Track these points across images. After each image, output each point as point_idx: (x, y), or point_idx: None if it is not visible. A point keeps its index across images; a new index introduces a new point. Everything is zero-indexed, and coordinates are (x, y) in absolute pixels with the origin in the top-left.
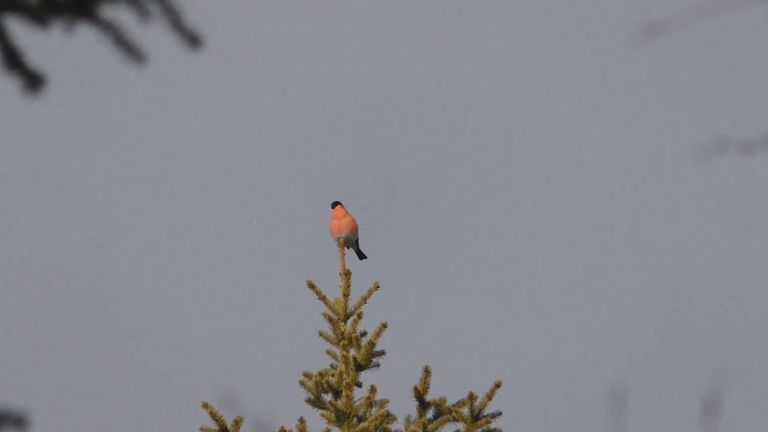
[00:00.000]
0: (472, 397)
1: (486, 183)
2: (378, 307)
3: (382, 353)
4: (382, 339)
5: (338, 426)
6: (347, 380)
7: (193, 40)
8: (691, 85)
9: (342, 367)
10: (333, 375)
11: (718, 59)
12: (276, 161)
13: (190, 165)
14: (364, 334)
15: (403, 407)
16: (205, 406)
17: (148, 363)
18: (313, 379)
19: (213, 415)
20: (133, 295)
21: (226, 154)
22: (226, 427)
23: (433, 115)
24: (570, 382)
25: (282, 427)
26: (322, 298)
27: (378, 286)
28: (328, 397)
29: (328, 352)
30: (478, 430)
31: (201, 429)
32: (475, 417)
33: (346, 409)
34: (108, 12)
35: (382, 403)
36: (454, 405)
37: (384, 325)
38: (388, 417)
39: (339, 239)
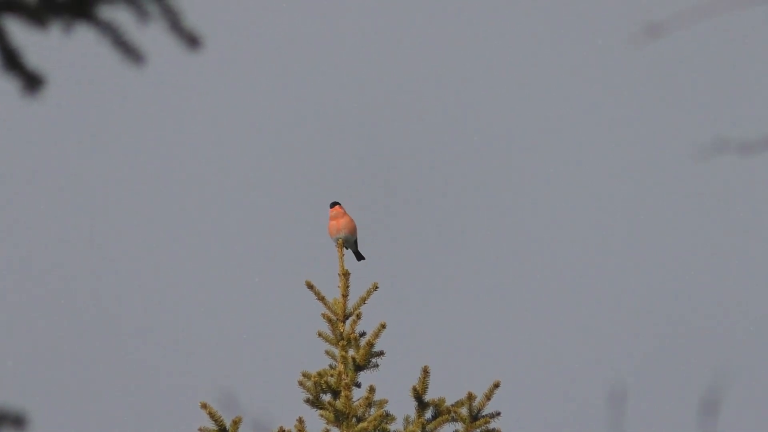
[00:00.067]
0: (470, 397)
1: (485, 183)
2: (377, 308)
3: (380, 353)
4: (380, 339)
5: (337, 426)
6: (346, 380)
7: (191, 40)
8: (691, 85)
9: (341, 367)
10: (332, 375)
11: (718, 59)
12: (275, 161)
13: (189, 165)
14: (362, 334)
15: (402, 407)
16: (204, 406)
17: (147, 363)
18: (312, 379)
19: (212, 415)
20: (133, 296)
21: (225, 154)
22: (225, 427)
23: (431, 115)
24: (569, 382)
25: (281, 428)
26: (321, 299)
27: (377, 287)
28: (327, 398)
29: (327, 353)
30: (477, 430)
31: (200, 429)
32: (474, 417)
33: (344, 410)
34: (107, 13)
35: (381, 403)
36: (452, 405)
37: (383, 326)
38: (387, 417)
39: (338, 240)
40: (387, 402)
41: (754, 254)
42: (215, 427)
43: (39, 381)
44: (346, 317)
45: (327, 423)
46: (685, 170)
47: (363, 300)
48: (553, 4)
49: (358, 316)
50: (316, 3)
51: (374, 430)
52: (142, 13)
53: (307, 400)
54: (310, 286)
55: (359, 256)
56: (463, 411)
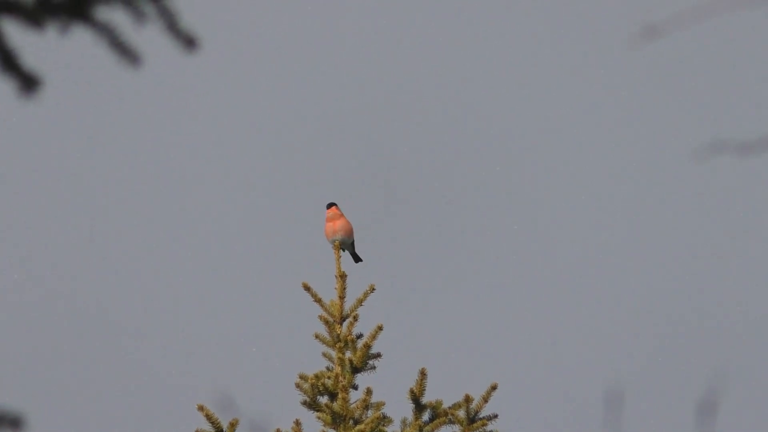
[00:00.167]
0: (468, 399)
1: (483, 184)
2: (374, 310)
3: (378, 355)
4: (378, 341)
5: (334, 428)
6: (343, 383)
7: (188, 42)
8: (691, 85)
9: (338, 369)
10: (329, 377)
11: (718, 60)
12: (272, 163)
13: (186, 167)
14: (360, 336)
15: (399, 410)
16: (201, 408)
17: (144, 365)
18: (309, 381)
19: (209, 418)
20: (130, 297)
21: (222, 155)
22: (222, 429)
23: (430, 114)
24: (566, 383)
25: (278, 430)
26: (318, 301)
27: (374, 289)
28: (324, 400)
29: (324, 355)
30: None
31: (197, 431)
32: (471, 419)
33: (342, 412)
34: (103, 14)
35: (378, 405)
36: (450, 407)
37: (380, 328)
38: (384, 419)
39: (334, 242)
40: (384, 404)
41: (753, 254)
42: (212, 429)
43: (37, 381)
44: (343, 319)
45: (324, 425)
46: (684, 170)
47: (360, 302)
48: (553, 4)
49: (355, 318)
50: (315, 3)
51: None
52: (138, 14)
53: (304, 402)
54: (307, 288)
55: (356, 258)
56: (461, 413)
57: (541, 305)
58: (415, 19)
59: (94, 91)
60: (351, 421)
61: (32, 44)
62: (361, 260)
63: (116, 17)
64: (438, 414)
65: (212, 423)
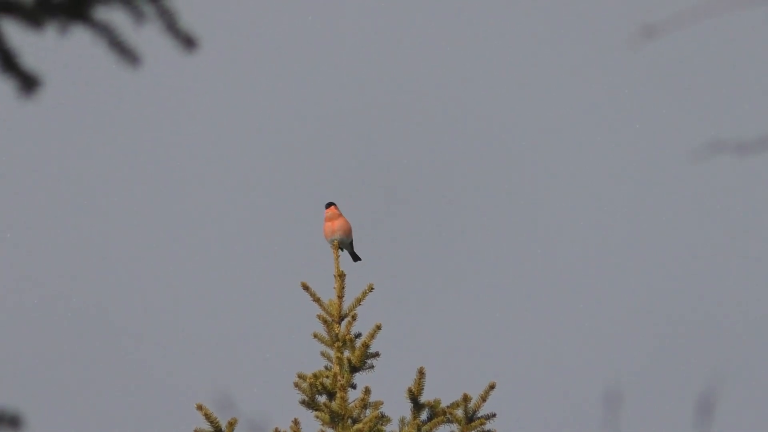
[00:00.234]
0: (466, 398)
1: (481, 184)
2: (372, 309)
3: (376, 355)
4: (376, 341)
5: (333, 428)
6: (342, 382)
7: (187, 42)
8: (690, 85)
9: (336, 368)
10: (327, 377)
11: (718, 60)
12: (271, 163)
13: (185, 167)
14: (358, 335)
15: (398, 409)
16: (200, 407)
17: (143, 364)
18: (308, 380)
19: (207, 417)
20: (129, 296)
21: (221, 155)
22: (220, 429)
23: (429, 114)
24: (565, 383)
25: (276, 429)
26: (317, 300)
27: (372, 288)
28: (322, 399)
29: (323, 354)
30: (473, 431)
31: (195, 430)
32: (470, 418)
33: (340, 411)
34: (102, 14)
35: (377, 404)
36: (448, 407)
37: (378, 327)
38: (383, 418)
39: (333, 241)
40: (382, 403)
41: (753, 254)
42: (211, 429)
43: (35, 381)
44: (341, 318)
45: (322, 424)
46: (683, 170)
47: (358, 301)
48: (553, 4)
49: (354, 318)
50: (314, 3)
51: (370, 431)
52: (138, 15)
53: (303, 402)
54: (306, 288)
55: (355, 257)
56: (459, 412)
57: (540, 305)
58: (414, 19)
59: (94, 92)
60: (349, 421)
61: (32, 44)
62: (359, 259)
63: (115, 17)
64: (436, 413)
65: (211, 422)
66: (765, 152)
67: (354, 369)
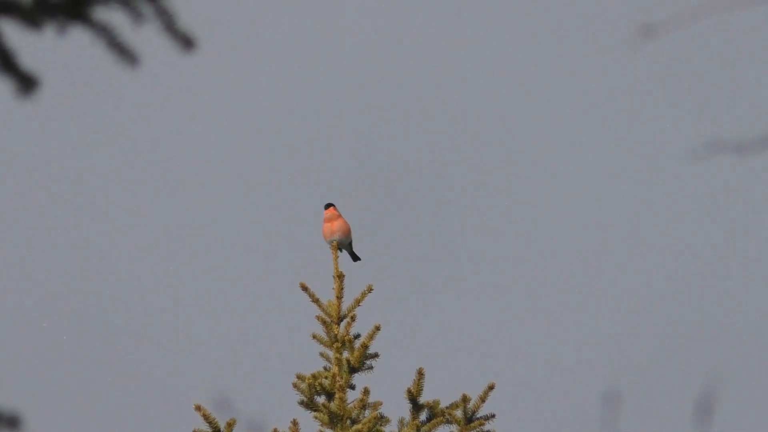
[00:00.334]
0: (465, 399)
1: (481, 184)
2: (371, 310)
3: (375, 355)
4: (375, 341)
5: (331, 428)
6: (340, 382)
7: (186, 42)
8: (689, 85)
9: (335, 369)
10: (326, 377)
11: (718, 59)
12: (269, 163)
13: (185, 167)
14: (357, 336)
15: (397, 409)
16: (198, 408)
17: (141, 364)
18: (307, 381)
19: (206, 417)
20: (127, 297)
21: (220, 156)
22: (219, 429)
23: (428, 114)
24: (564, 383)
25: (275, 429)
26: (316, 301)
27: (371, 289)
28: (321, 400)
29: (322, 355)
30: None
31: (194, 431)
32: (469, 419)
33: (339, 412)
34: (101, 14)
35: (376, 405)
36: (447, 407)
37: (377, 328)
38: (382, 419)
39: (332, 242)
40: (381, 404)
41: (753, 254)
42: (209, 429)
43: (33, 381)
44: (340, 319)
45: (321, 425)
46: (683, 170)
47: (357, 302)
48: (553, 4)
49: (353, 318)
50: (313, 4)
51: None
52: (136, 15)
53: (302, 402)
54: (305, 288)
55: (355, 257)
56: (458, 413)
57: (539, 305)
58: (414, 19)
59: (92, 92)
60: (348, 421)
61: (30, 44)
62: (359, 259)
63: (114, 17)
64: (435, 414)
65: (209, 423)
66: (764, 152)
67: (353, 370)
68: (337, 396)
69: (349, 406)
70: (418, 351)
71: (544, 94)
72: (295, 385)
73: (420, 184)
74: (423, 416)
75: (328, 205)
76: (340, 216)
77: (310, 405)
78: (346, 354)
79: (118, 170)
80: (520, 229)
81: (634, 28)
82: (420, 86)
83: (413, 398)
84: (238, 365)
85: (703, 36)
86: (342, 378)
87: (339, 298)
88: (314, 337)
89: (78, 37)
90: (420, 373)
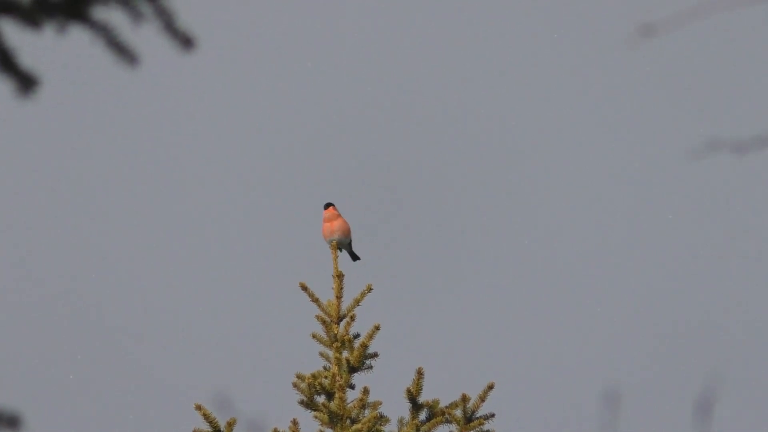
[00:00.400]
0: (465, 398)
1: (480, 184)
2: (371, 309)
3: (375, 355)
4: (375, 341)
5: (331, 428)
6: (340, 382)
7: (185, 41)
8: (689, 84)
9: (335, 369)
10: (326, 377)
11: (718, 59)
12: (269, 162)
13: (184, 166)
14: (357, 336)
15: (396, 409)
16: (199, 407)
17: (141, 364)
18: (306, 380)
19: (206, 417)
20: (127, 296)
21: (219, 155)
22: (219, 429)
23: (428, 114)
24: (564, 383)
25: (275, 429)
26: (315, 300)
27: (371, 289)
28: (321, 399)
29: (321, 354)
30: (471, 431)
31: (194, 431)
32: (468, 419)
33: (339, 411)
34: (100, 13)
35: (375, 404)
36: (447, 407)
37: (377, 327)
38: (381, 419)
39: (331, 242)
40: (381, 403)
41: (752, 254)
42: (209, 429)
43: (33, 381)
44: (340, 319)
45: (321, 424)
46: (683, 170)
47: (357, 302)
48: (553, 4)
49: (352, 318)
50: (312, 3)
51: (368, 431)
52: (136, 14)
53: (301, 402)
54: (304, 288)
55: (354, 257)
56: (458, 413)
57: (539, 304)
58: (414, 19)
59: (92, 91)
60: (348, 421)
61: (30, 44)
62: (359, 259)
63: (113, 17)
64: (435, 413)
65: (210, 422)
66: (764, 151)
67: (352, 369)
68: (336, 395)
69: (348, 405)
70: (417, 350)
71: (544, 94)
72: (294, 385)
73: (420, 183)
74: (422, 416)
75: (328, 205)
76: (339, 216)
77: (309, 404)
78: (345, 353)
79: (118, 169)
80: (519, 229)
81: (633, 28)
82: (420, 86)
83: (413, 398)
84: (238, 365)
85: (702, 36)
86: (342, 377)
87: (338, 297)
88: (314, 336)
89: (77, 36)
90: (419, 373)
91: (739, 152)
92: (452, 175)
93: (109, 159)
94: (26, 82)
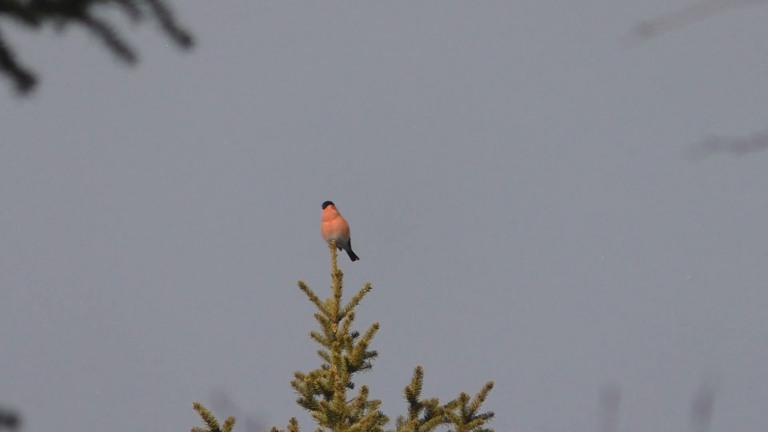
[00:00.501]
0: (464, 398)
1: (479, 184)
2: (370, 308)
3: (374, 354)
4: (374, 340)
5: (330, 427)
6: (339, 381)
7: (184, 39)
8: (688, 84)
9: (334, 368)
10: (325, 376)
11: (718, 59)
12: (268, 161)
13: (183, 165)
14: (356, 335)
15: (395, 408)
16: (197, 406)
17: (140, 363)
18: (305, 380)
19: (205, 416)
20: (126, 296)
21: (218, 153)
22: (217, 428)
23: (427, 114)
24: (563, 382)
25: (274, 428)
26: (314, 299)
27: (370, 287)
28: (319, 398)
29: (320, 353)
30: (470, 431)
31: (193, 430)
32: (467, 418)
33: (337, 410)
34: (99, 12)
35: (374, 404)
36: (446, 406)
37: (376, 326)
38: (380, 418)
39: (330, 241)
40: (380, 403)
41: (753, 254)
42: (208, 428)
43: (32, 380)
44: (339, 318)
45: (320, 424)
46: (683, 170)
47: (356, 300)
48: (553, 4)
49: (351, 317)
50: (312, 3)
51: (367, 430)
52: (134, 13)
53: (300, 401)
54: (303, 287)
55: (353, 256)
56: (456, 412)
57: (538, 303)
58: (415, 18)
59: (91, 90)
60: (347, 420)
61: (28, 43)
62: (357, 258)
63: (112, 16)
64: (434, 412)
65: (208, 422)
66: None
67: (351, 368)
68: (335, 395)
69: (347, 404)
70: (416, 350)
71: (544, 94)
72: (293, 384)
73: (419, 183)
74: (421, 415)
75: (326, 204)
76: (338, 215)
77: (308, 404)
78: (344, 353)
79: (117, 168)
80: (518, 228)
81: (632, 27)
82: (419, 85)
83: (412, 397)
84: (236, 364)
85: (702, 36)
86: (340, 377)
87: (337, 296)
88: (313, 335)
89: (76, 35)
90: (418, 372)
91: (738, 151)
92: (452, 174)
93: (108, 157)
94: (25, 81)
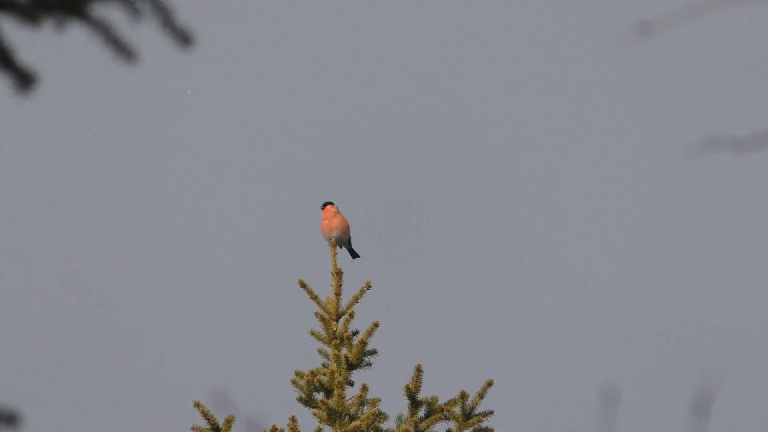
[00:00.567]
0: (463, 395)
1: (479, 183)
2: (370, 307)
3: (374, 352)
4: (374, 338)
5: (330, 425)
6: (339, 379)
7: (184, 38)
8: (688, 84)
9: (334, 366)
10: (325, 374)
11: (716, 58)
12: (268, 160)
13: (183, 164)
14: (356, 333)
15: (395, 406)
16: (197, 404)
17: (140, 362)
18: (305, 378)
19: (205, 414)
20: (126, 295)
21: (218, 152)
22: (217, 426)
23: (427, 112)
24: (563, 380)
25: (274, 426)
26: (314, 298)
27: (370, 285)
28: (319, 396)
29: (320, 351)
30: (470, 428)
31: (193, 428)
32: (467, 415)
33: (337, 408)
34: (99, 11)
35: (374, 401)
36: (445, 404)
37: (376, 324)
38: (380, 416)
39: (330, 239)
40: (380, 400)
41: (752, 255)
42: (208, 426)
43: (32, 380)
44: (339, 316)
45: (320, 422)
46: (684, 170)
47: (356, 299)
48: (553, 4)
49: (351, 315)
50: (313, 2)
51: (367, 428)
52: (134, 11)
53: (300, 399)
54: (303, 285)
55: (354, 254)
56: (456, 409)
57: (538, 302)
58: (415, 18)
59: (91, 88)
60: (347, 418)
61: (28, 41)
62: (358, 256)
63: (112, 14)
64: (434, 410)
65: (208, 420)
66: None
67: (351, 366)
68: (335, 393)
69: (347, 402)
70: (416, 347)
71: (544, 94)
72: (293, 382)
73: (419, 181)
74: (421, 412)
75: (326, 203)
76: (338, 213)
77: (308, 402)
78: (344, 351)
79: (117, 167)
80: (518, 227)
81: (632, 27)
82: (420, 84)
83: (412, 395)
84: (236, 362)
85: (702, 36)
86: (340, 375)
87: (337, 294)
88: (313, 333)
89: (76, 33)
90: (418, 370)
91: (737, 151)
92: (452, 173)
93: (109, 156)
94: (25, 79)
